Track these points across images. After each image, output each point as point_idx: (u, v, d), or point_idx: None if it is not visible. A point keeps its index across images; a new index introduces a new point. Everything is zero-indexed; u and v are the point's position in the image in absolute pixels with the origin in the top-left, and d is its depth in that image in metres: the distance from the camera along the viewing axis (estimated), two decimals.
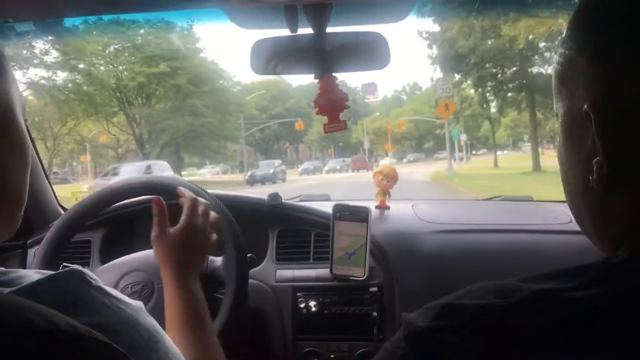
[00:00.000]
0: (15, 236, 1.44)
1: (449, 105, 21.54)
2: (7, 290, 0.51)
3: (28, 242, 1.49)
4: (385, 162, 38.89)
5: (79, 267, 0.57)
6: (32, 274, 0.54)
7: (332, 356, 1.33)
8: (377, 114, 69.22)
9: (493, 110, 27.05)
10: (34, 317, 0.42)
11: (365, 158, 40.14)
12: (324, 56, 1.10)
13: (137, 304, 0.60)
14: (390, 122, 59.50)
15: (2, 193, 0.58)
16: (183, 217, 1.02)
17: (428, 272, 1.33)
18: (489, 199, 1.93)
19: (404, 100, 66.63)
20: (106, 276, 1.15)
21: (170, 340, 0.63)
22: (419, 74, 67.93)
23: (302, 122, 41.84)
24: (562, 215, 1.49)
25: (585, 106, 0.47)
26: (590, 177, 0.48)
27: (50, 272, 0.55)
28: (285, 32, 1.12)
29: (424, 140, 66.13)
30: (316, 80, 1.14)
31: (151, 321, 0.60)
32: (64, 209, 1.67)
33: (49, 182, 1.64)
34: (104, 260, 1.38)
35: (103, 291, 0.56)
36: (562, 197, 0.57)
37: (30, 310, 0.43)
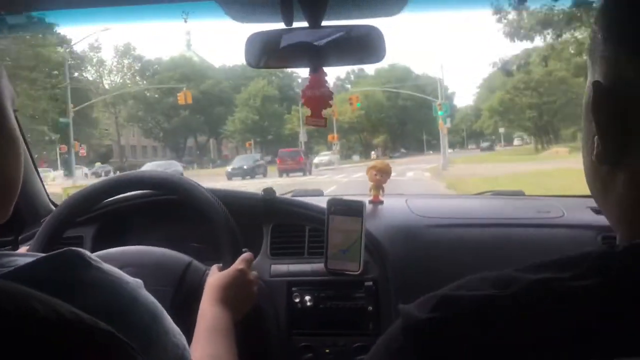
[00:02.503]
0: (6, 232, 1.43)
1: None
2: (2, 272, 0.50)
3: (19, 238, 1.48)
4: (323, 159, 36.72)
5: (76, 248, 0.57)
6: (24, 258, 0.54)
7: (327, 351, 1.32)
8: None
9: None
10: (37, 306, 0.42)
11: (300, 153, 29.48)
12: (318, 50, 1.10)
13: (137, 281, 0.60)
14: (337, 106, 51.43)
15: None
16: (242, 264, 1.09)
17: (423, 266, 1.33)
18: (481, 194, 1.94)
19: (348, 89, 59.63)
20: None
21: (170, 321, 0.63)
22: None
23: (190, 94, 31.01)
24: (554, 210, 1.50)
25: (591, 83, 0.48)
26: (592, 156, 0.49)
27: (44, 254, 0.54)
28: (280, 25, 1.12)
29: (375, 132, 57.93)
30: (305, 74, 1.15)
31: (151, 299, 0.60)
32: (55, 205, 1.65)
33: (40, 178, 1.63)
34: None
35: (102, 270, 0.56)
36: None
37: (33, 298, 0.42)
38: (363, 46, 1.08)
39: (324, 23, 1.10)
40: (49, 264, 0.52)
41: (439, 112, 27.60)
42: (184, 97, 29.52)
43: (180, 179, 1.18)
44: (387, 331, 0.48)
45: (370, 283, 1.31)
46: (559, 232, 1.39)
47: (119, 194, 1.33)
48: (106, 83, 45.69)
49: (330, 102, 1.11)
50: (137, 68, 47.89)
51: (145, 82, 47.90)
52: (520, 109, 42.34)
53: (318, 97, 1.10)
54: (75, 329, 0.43)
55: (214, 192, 1.20)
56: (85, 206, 1.25)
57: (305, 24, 1.10)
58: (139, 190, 1.34)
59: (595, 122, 0.47)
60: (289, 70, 55.22)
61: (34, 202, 1.57)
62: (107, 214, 1.48)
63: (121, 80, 46.96)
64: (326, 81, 1.10)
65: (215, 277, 1.06)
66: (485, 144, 62.91)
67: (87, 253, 0.56)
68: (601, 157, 0.48)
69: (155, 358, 0.56)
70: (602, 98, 0.47)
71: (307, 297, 1.34)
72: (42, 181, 1.63)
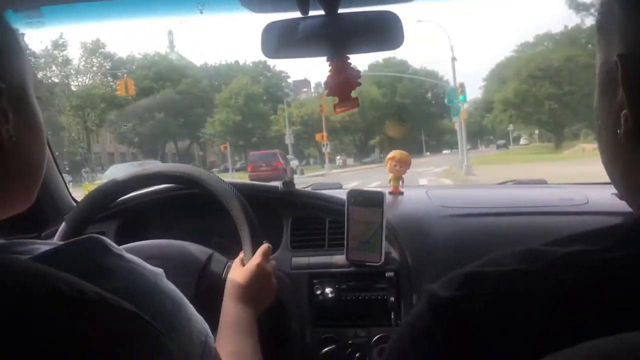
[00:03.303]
0: (29, 229, 1.45)
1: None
2: (26, 257, 0.51)
3: (42, 234, 1.50)
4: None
5: (97, 235, 0.57)
6: (47, 245, 0.55)
7: (349, 342, 1.32)
8: (304, 93, 54.82)
9: None
10: (62, 286, 0.42)
11: (278, 156, 24.67)
12: (336, 38, 1.09)
13: (158, 270, 0.60)
14: (326, 104, 46.34)
15: (20, 170, 0.59)
16: (259, 257, 1.08)
17: (444, 256, 1.32)
18: (502, 183, 1.91)
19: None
20: None
21: (193, 309, 0.63)
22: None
23: (131, 82, 23.99)
24: (578, 197, 1.47)
25: (616, 56, 0.46)
26: (619, 131, 0.47)
27: (65, 242, 0.55)
28: (296, 14, 1.11)
29: (371, 133, 52.21)
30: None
31: (172, 287, 0.60)
32: (76, 202, 1.67)
33: (62, 175, 1.64)
34: None
35: (124, 257, 0.56)
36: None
37: (58, 278, 0.43)
38: (381, 33, 1.07)
39: (340, 10, 1.09)
40: (71, 249, 0.53)
41: (460, 97, 21.63)
42: (124, 86, 22.51)
43: (199, 172, 1.18)
44: (411, 312, 0.47)
45: (392, 274, 1.30)
46: (583, 219, 1.37)
47: (140, 189, 1.34)
48: (74, 85, 39.52)
49: (359, 80, 1.10)
50: (108, 67, 40.99)
51: (117, 83, 40.95)
52: (537, 101, 37.02)
53: (343, 82, 1.08)
54: (100, 308, 0.43)
55: (233, 185, 1.20)
56: (105, 202, 1.26)
57: (321, 12, 1.09)
58: (160, 184, 1.34)
59: (626, 95, 0.45)
60: (278, 69, 53.38)
61: (56, 199, 1.59)
62: (129, 209, 1.50)
63: (90, 81, 39.90)
64: (349, 64, 1.09)
65: (235, 273, 1.06)
66: (500, 142, 59.77)
67: (108, 240, 0.56)
68: (630, 134, 0.45)
69: (179, 343, 0.56)
70: (630, 70, 0.45)
71: (329, 289, 1.33)
72: (63, 178, 1.65)
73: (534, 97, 36.98)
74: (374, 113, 49.62)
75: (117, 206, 1.41)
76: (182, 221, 1.52)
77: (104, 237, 0.56)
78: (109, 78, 40.04)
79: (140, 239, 1.31)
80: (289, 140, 34.40)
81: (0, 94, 0.53)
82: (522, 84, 37.83)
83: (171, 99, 40.49)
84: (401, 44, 1.06)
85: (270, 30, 1.10)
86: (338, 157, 48.25)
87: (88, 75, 40.27)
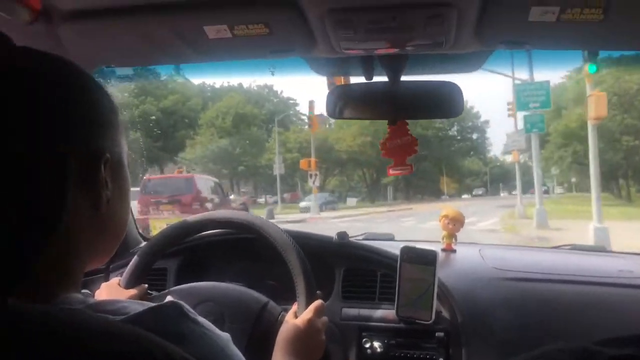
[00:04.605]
0: None
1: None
2: (116, 319, 0.57)
3: (110, 267, 1.59)
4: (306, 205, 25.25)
5: (177, 300, 0.62)
6: (134, 305, 0.60)
7: None
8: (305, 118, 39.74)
9: None
10: (153, 349, 0.47)
11: (193, 184, 15.18)
12: (397, 103, 1.15)
13: (226, 335, 0.65)
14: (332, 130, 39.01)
15: (109, 229, 0.66)
16: (310, 313, 1.11)
17: (496, 320, 1.31)
18: (558, 247, 1.88)
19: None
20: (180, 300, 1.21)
21: None
22: None
23: None
24: (637, 269, 1.43)
25: None
26: None
27: (151, 304, 0.60)
28: (360, 79, 1.18)
29: (383, 170, 40.36)
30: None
31: (237, 352, 0.64)
32: (143, 237, 1.77)
33: (130, 211, 1.75)
34: None
35: (198, 323, 0.61)
36: None
37: (148, 341, 0.48)
38: (441, 100, 1.12)
39: (403, 78, 1.15)
40: (155, 314, 0.58)
41: (536, 122, 14.70)
42: None
43: (262, 222, 1.24)
44: None
45: (442, 334, 1.30)
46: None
47: (200, 233, 1.41)
48: None
49: (416, 147, 1.15)
50: None
51: None
52: (611, 135, 26.37)
53: (400, 146, 1.14)
54: None
55: (291, 234, 1.25)
56: (176, 240, 1.33)
57: (385, 78, 1.16)
58: (225, 229, 1.41)
59: None
60: (285, 95, 46.78)
61: (125, 235, 1.69)
62: (188, 249, 1.57)
63: None
64: (407, 130, 1.14)
65: (286, 328, 1.10)
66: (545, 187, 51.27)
67: (186, 306, 0.62)
68: None
69: None
70: None
71: (377, 344, 1.35)
72: (133, 215, 1.75)
73: (607, 129, 26.03)
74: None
75: (180, 244, 1.49)
76: (237, 263, 1.58)
77: (182, 303, 0.61)
78: None
79: (197, 277, 1.38)
80: (278, 170, 27.30)
81: (105, 163, 0.61)
82: None
83: (151, 117, 34.38)
84: (460, 112, 1.11)
85: (336, 93, 1.17)
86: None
87: None
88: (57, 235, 0.54)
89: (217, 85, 46.83)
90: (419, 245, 1.37)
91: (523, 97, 14.39)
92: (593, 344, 0.46)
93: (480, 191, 57.69)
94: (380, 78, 1.18)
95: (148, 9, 0.94)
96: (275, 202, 31.47)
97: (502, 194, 56.44)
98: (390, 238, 1.81)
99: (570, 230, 12.63)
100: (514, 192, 55.50)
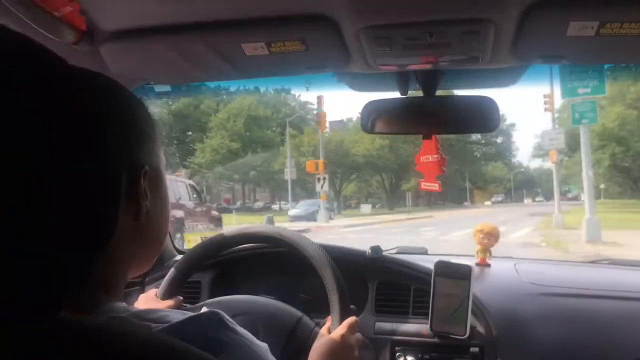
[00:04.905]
0: None
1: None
2: (159, 327, 0.58)
3: (146, 279, 1.62)
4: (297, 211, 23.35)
5: (216, 310, 0.64)
6: (174, 314, 0.62)
7: None
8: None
9: None
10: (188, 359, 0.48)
11: None
12: (432, 118, 1.15)
13: (264, 345, 0.66)
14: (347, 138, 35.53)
15: (149, 238, 0.68)
16: (344, 329, 1.11)
17: (532, 335, 1.29)
18: (595, 262, 1.84)
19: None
20: None
21: None
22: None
23: None
24: None
25: None
26: None
27: (191, 314, 0.62)
28: (395, 94, 1.19)
29: (405, 174, 39.18)
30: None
31: None
32: (178, 250, 1.80)
33: None
34: None
35: (237, 332, 0.62)
36: None
37: (187, 352, 0.49)
38: (477, 115, 1.11)
39: (438, 93, 1.15)
40: (195, 322, 0.59)
41: (587, 111, 12.46)
42: None
43: (298, 237, 1.25)
44: None
45: (477, 349, 1.29)
46: None
47: (236, 246, 1.43)
48: None
49: (443, 168, 1.15)
50: None
51: None
52: None
53: (431, 163, 1.14)
54: None
55: (325, 248, 1.25)
56: (212, 253, 1.35)
57: (420, 93, 1.16)
58: (261, 243, 1.42)
59: None
60: (303, 99, 42.55)
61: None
62: (223, 262, 1.59)
63: None
64: (438, 149, 1.14)
65: (319, 343, 1.10)
66: (572, 194, 48.23)
67: (225, 315, 0.63)
68: None
69: None
70: None
71: (411, 358, 1.34)
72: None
73: None
74: (408, 149, 35.92)
75: (214, 259, 1.51)
76: (270, 277, 1.59)
77: (221, 312, 0.62)
78: None
79: (231, 291, 1.39)
80: (289, 174, 24.91)
81: (144, 175, 0.63)
82: (629, 109, 25.22)
83: (162, 121, 32.00)
84: (496, 127, 1.10)
85: (371, 108, 1.18)
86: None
87: None
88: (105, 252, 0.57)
89: (232, 88, 43.18)
90: (453, 260, 1.37)
91: (570, 81, 11.71)
92: None
93: (500, 197, 54.85)
94: (415, 93, 1.18)
95: (187, 27, 0.96)
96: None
97: (525, 201, 54.69)
98: (424, 252, 1.80)
99: (632, 246, 10.67)
100: (537, 199, 54.39)
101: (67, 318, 0.46)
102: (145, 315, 0.61)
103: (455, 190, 47.98)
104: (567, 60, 1.00)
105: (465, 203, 47.32)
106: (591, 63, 1.06)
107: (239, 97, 36.25)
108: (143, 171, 0.63)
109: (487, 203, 50.16)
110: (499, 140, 53.82)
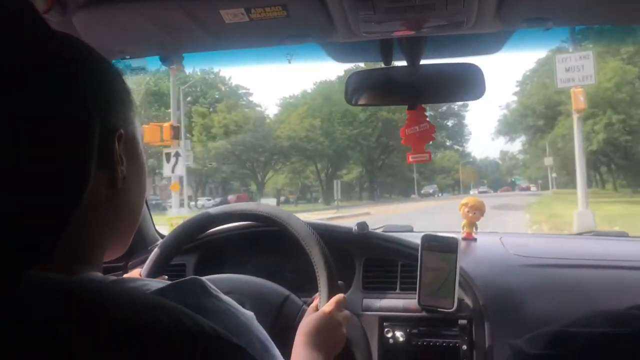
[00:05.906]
0: (117, 258, 1.55)
1: None
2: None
3: (128, 264, 1.59)
4: None
5: (199, 277, 0.62)
6: (155, 283, 0.60)
7: None
8: None
9: None
10: (182, 317, 0.46)
11: None
12: (417, 88, 1.13)
13: (250, 313, 0.64)
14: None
15: (126, 207, 0.65)
16: (332, 306, 1.09)
17: (518, 306, 1.29)
18: (580, 234, 1.86)
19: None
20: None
21: (277, 351, 0.66)
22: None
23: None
24: None
25: None
26: None
27: (170, 282, 0.60)
28: (379, 64, 1.17)
29: (343, 162, 33.31)
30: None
31: (262, 330, 0.64)
32: (160, 234, 1.77)
33: (148, 208, 1.75)
34: None
35: (221, 299, 0.60)
36: None
37: (180, 312, 0.47)
38: (462, 83, 1.10)
39: (422, 62, 1.13)
40: (177, 289, 0.57)
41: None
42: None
43: (286, 214, 1.23)
44: None
45: (465, 321, 1.29)
46: None
47: (222, 225, 1.40)
48: None
49: (433, 135, 1.13)
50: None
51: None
52: None
53: (419, 133, 1.12)
54: (215, 342, 0.48)
55: (313, 226, 1.23)
56: (190, 236, 1.32)
57: (403, 62, 1.14)
58: (241, 222, 1.40)
59: None
60: (234, 82, 38.43)
61: (142, 230, 1.69)
62: (207, 244, 1.56)
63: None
64: (426, 116, 1.12)
65: (307, 320, 1.09)
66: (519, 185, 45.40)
67: (208, 282, 0.61)
68: None
69: None
70: None
71: (399, 333, 1.33)
72: (149, 211, 1.75)
73: None
74: (346, 131, 30.12)
75: (197, 240, 1.48)
76: (257, 257, 1.57)
77: (203, 279, 0.61)
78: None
79: (216, 272, 1.37)
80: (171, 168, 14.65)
81: (119, 139, 0.61)
82: (628, 65, 18.93)
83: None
84: (482, 94, 1.09)
85: (354, 80, 1.15)
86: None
87: None
88: (77, 211, 0.54)
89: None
90: (439, 234, 1.36)
91: None
92: (630, 309, 0.45)
93: (430, 189, 47.53)
94: (399, 63, 1.16)
95: None
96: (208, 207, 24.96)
97: (471, 192, 48.21)
98: (409, 230, 1.79)
99: None
100: (481, 190, 49.46)
101: (34, 274, 0.42)
102: (124, 283, 0.59)
103: (403, 183, 45.03)
104: (552, 24, 0.98)
105: (413, 196, 44.05)
106: (577, 25, 1.04)
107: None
108: (118, 134, 0.61)
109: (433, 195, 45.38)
110: (449, 123, 49.34)
